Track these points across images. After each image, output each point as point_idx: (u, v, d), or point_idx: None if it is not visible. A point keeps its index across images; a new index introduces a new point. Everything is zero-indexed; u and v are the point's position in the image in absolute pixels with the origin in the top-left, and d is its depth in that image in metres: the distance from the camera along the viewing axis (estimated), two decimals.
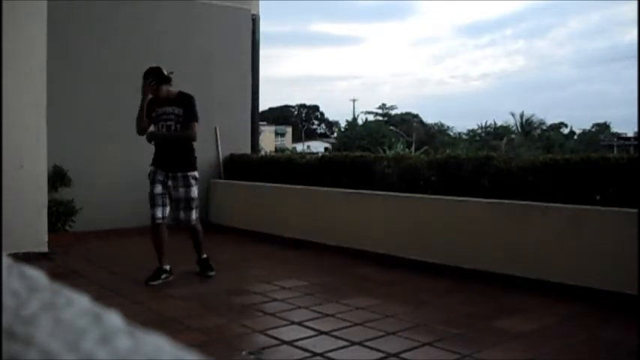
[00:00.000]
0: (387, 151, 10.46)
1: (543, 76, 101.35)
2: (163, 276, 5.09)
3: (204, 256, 5.37)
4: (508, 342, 3.60)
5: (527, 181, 5.19)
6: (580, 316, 4.16)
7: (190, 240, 5.37)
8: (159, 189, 5.15)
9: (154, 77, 5.10)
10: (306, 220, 6.95)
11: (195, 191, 5.18)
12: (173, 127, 5.13)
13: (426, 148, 15.69)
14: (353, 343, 3.49)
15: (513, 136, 38.31)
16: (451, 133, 53.40)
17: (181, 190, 5.14)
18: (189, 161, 5.19)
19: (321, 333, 3.69)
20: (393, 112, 61.54)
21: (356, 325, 3.86)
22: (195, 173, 5.21)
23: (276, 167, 7.87)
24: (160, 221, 5.15)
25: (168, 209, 5.20)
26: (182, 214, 5.18)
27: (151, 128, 5.24)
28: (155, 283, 5.01)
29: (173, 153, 5.15)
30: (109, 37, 7.77)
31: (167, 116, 5.13)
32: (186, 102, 5.16)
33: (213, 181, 8.58)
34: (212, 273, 5.30)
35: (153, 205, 5.17)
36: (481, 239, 5.26)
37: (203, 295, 4.78)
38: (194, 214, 5.19)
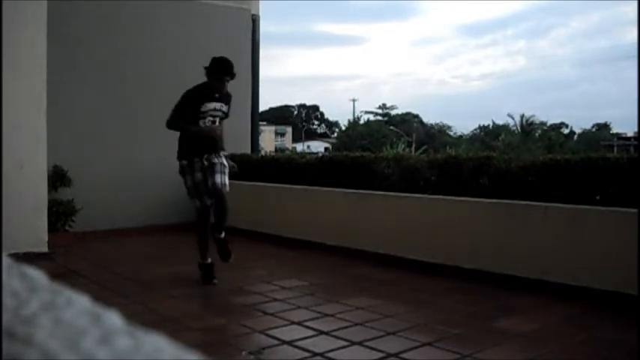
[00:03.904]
0: (390, 150, 10.48)
1: (544, 76, 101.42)
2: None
3: (209, 261, 5.11)
4: (508, 342, 3.60)
5: (527, 181, 5.19)
6: (580, 316, 4.16)
7: (215, 217, 5.07)
8: (199, 176, 4.96)
9: (233, 74, 5.03)
10: (306, 220, 6.95)
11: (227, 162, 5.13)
12: (217, 123, 5.09)
13: (425, 147, 15.72)
14: (353, 343, 3.49)
15: (504, 135, 38.27)
16: (451, 134, 53.47)
17: (217, 160, 5.00)
18: (221, 144, 5.18)
19: (321, 333, 3.69)
20: (393, 112, 61.61)
21: (356, 325, 3.86)
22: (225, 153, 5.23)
23: (277, 167, 7.87)
24: (208, 206, 5.00)
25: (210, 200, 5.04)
26: (222, 177, 4.93)
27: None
28: (216, 280, 4.98)
29: (213, 140, 5.06)
30: (109, 37, 7.77)
31: (215, 112, 5.06)
32: (229, 101, 5.19)
33: None
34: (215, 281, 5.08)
35: (197, 193, 4.98)
36: (481, 239, 5.26)
37: (203, 295, 4.78)
38: (228, 181, 5.03)
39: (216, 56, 5.14)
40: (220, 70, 5.00)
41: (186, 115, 4.99)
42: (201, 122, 5.04)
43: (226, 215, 5.02)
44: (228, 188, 4.97)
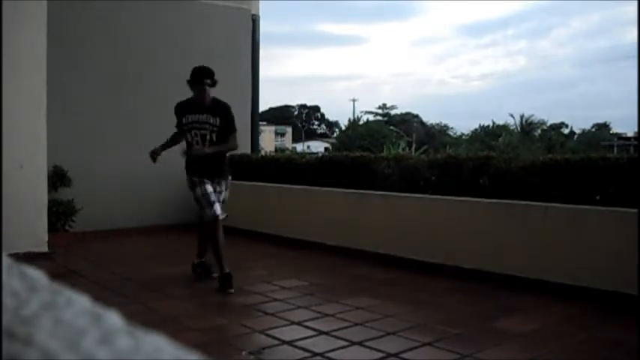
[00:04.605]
0: (391, 149, 10.52)
1: (544, 76, 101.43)
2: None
3: (204, 259, 5.28)
4: (508, 342, 3.61)
5: (527, 181, 5.19)
6: (580, 316, 4.16)
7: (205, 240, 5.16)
8: (209, 188, 4.87)
9: (212, 78, 4.84)
10: (306, 220, 6.95)
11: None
12: (208, 137, 4.89)
13: (425, 147, 15.74)
14: (353, 343, 3.49)
15: (504, 136, 38.26)
16: (452, 134, 53.49)
17: (224, 192, 5.06)
18: (227, 168, 5.16)
19: (321, 333, 3.69)
20: (392, 112, 61.60)
21: (356, 325, 3.86)
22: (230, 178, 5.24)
23: (277, 167, 7.87)
24: (221, 217, 4.88)
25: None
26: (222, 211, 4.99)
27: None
28: (232, 289, 4.73)
29: (214, 163, 4.96)
30: (109, 37, 7.77)
31: (201, 125, 4.86)
32: (223, 112, 4.93)
33: None
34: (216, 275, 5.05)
35: (208, 202, 4.83)
36: (481, 239, 5.26)
37: (203, 295, 4.78)
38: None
39: (195, 66, 5.00)
40: (198, 76, 4.82)
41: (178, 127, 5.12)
42: (188, 135, 4.94)
43: (219, 245, 4.89)
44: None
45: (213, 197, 4.85)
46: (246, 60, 9.16)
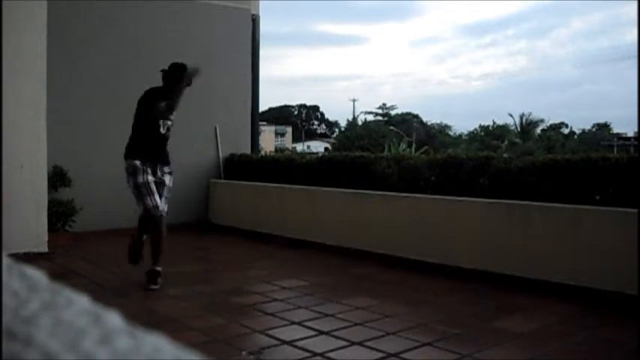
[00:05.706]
0: (392, 149, 10.51)
1: (545, 77, 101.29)
2: (159, 279, 4.89)
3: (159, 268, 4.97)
4: (508, 342, 3.61)
5: (527, 181, 5.19)
6: (580, 316, 4.16)
7: (152, 244, 5.00)
8: (151, 178, 4.90)
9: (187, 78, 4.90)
10: (306, 220, 6.95)
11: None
12: (170, 127, 5.05)
13: (426, 147, 15.71)
14: (353, 343, 3.49)
15: (515, 139, 38.23)
16: (451, 133, 53.53)
17: (167, 179, 5.04)
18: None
19: (321, 333, 3.69)
20: (392, 112, 61.59)
21: (356, 325, 3.86)
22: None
23: (277, 167, 7.87)
24: (162, 207, 4.91)
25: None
26: (164, 203, 4.97)
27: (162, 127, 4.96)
28: (157, 286, 4.82)
29: (163, 150, 5.03)
30: (109, 37, 7.77)
31: (172, 119, 5.00)
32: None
33: (213, 181, 8.59)
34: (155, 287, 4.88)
35: (151, 191, 4.85)
36: (481, 239, 5.26)
37: (203, 295, 4.78)
38: (166, 207, 5.04)
39: (176, 62, 4.96)
40: (189, 76, 4.88)
41: (153, 110, 4.88)
42: (159, 122, 4.92)
43: (163, 241, 4.94)
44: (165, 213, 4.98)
45: (154, 187, 4.87)
46: (246, 60, 9.16)
